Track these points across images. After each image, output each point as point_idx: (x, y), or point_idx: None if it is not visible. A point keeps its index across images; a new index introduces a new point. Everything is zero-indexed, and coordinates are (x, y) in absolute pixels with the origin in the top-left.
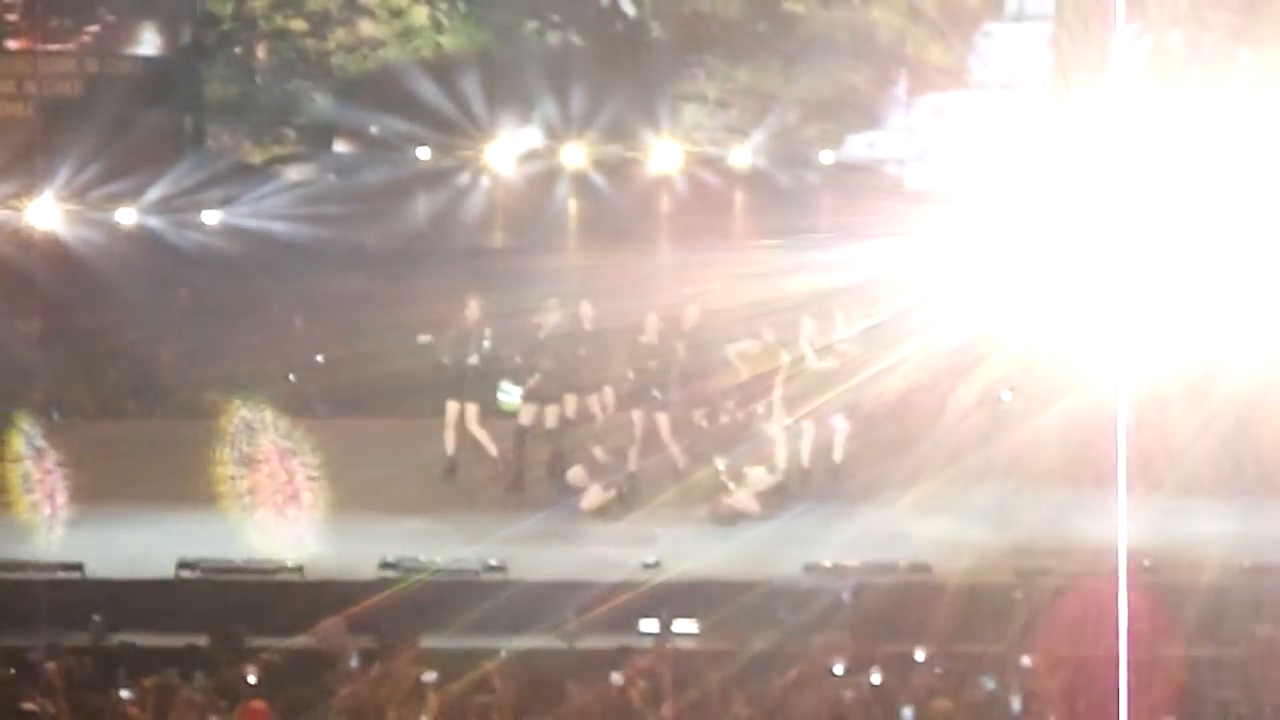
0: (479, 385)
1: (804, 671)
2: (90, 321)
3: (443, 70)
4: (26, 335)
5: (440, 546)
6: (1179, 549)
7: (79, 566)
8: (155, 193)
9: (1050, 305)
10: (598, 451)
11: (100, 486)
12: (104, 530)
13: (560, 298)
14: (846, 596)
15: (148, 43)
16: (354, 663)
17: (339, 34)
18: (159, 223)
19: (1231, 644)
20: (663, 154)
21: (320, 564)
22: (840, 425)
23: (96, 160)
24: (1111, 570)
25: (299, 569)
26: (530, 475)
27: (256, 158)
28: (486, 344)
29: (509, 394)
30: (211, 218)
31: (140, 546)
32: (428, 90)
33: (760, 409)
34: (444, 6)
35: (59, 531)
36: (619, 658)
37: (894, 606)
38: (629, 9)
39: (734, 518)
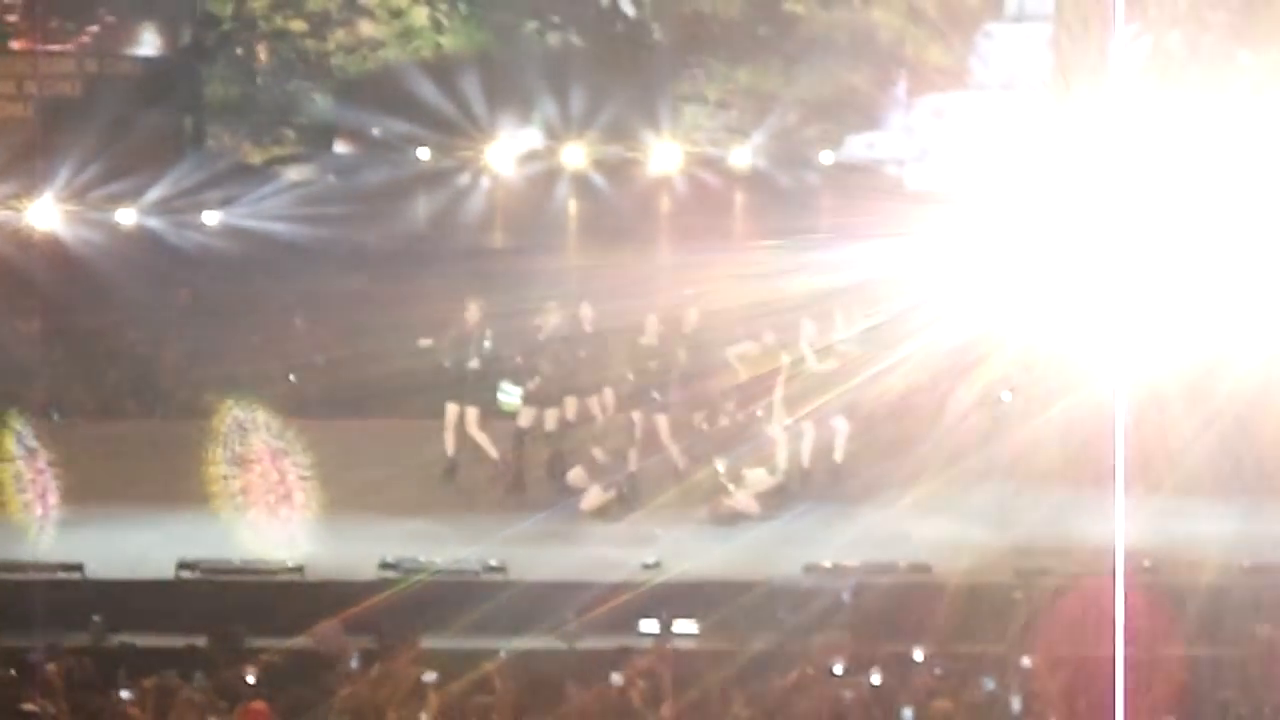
0: (479, 388)
1: (804, 672)
2: (90, 322)
3: (443, 71)
4: (27, 336)
5: (440, 547)
6: (1179, 549)
7: (79, 567)
8: (155, 193)
9: (1050, 306)
10: (597, 453)
11: (100, 487)
12: (104, 531)
13: (560, 300)
14: (846, 597)
15: (148, 43)
16: (354, 663)
17: (339, 34)
18: (159, 223)
19: (1231, 644)
20: (663, 154)
21: (320, 564)
22: (840, 426)
23: (96, 161)
24: (1111, 570)
25: (299, 569)
26: (530, 476)
27: (256, 158)
28: (487, 344)
29: (509, 394)
30: (211, 218)
31: (140, 547)
32: (428, 91)
33: (760, 410)
34: (444, 7)
35: (59, 532)
36: (619, 658)
37: (894, 607)
38: (629, 10)
39: (734, 518)
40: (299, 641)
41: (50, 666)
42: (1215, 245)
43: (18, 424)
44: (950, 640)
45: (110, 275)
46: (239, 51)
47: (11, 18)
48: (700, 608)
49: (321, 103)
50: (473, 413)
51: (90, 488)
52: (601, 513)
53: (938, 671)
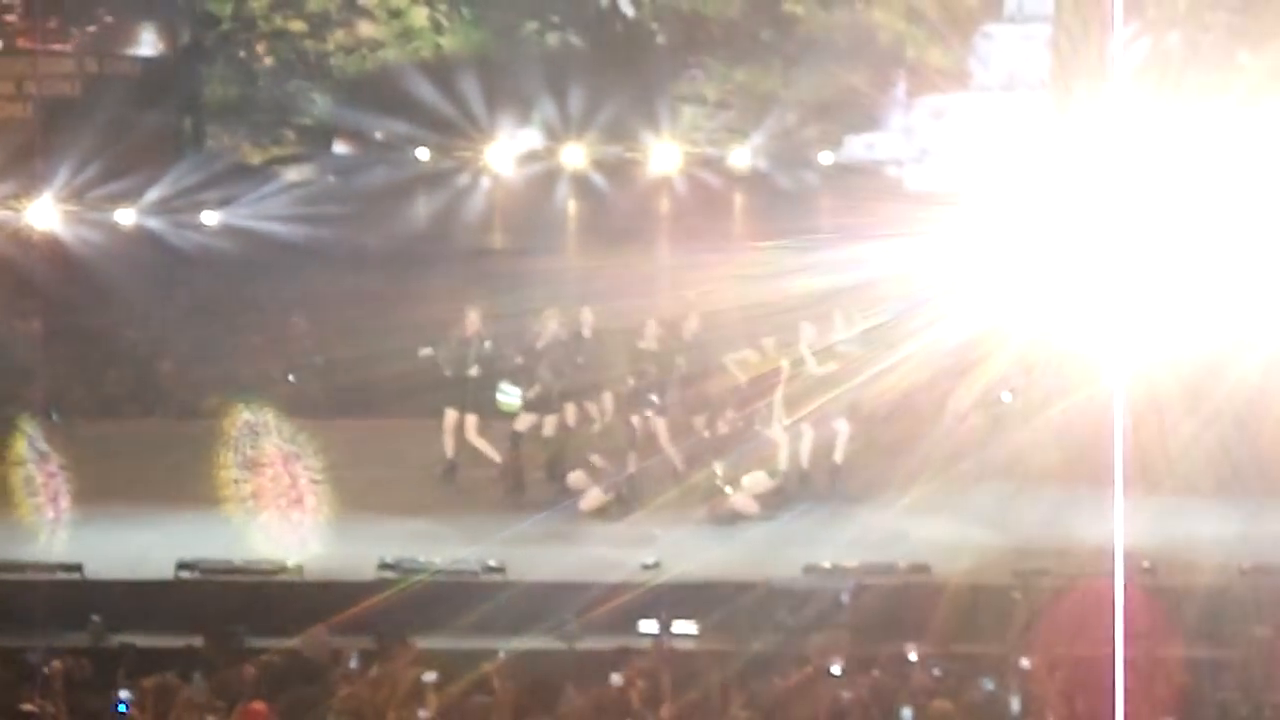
0: (478, 395)
1: (803, 672)
2: (90, 322)
3: (442, 71)
4: (26, 336)
5: (439, 547)
6: (1178, 550)
7: (78, 567)
8: (154, 193)
9: (1049, 307)
10: (596, 458)
11: (100, 487)
12: (103, 531)
13: (559, 303)
14: (846, 597)
15: (147, 43)
16: (353, 664)
17: (338, 35)
18: (158, 223)
19: (1230, 645)
20: (662, 155)
21: (320, 565)
22: (840, 427)
23: (96, 161)
24: (1110, 571)
25: (298, 570)
26: (529, 477)
27: (256, 158)
28: (487, 345)
29: (508, 394)
30: (211, 218)
31: (140, 547)
32: (427, 91)
33: (760, 412)
34: (443, 8)
35: (58, 532)
36: (618, 658)
37: (893, 607)
38: (629, 10)
39: (733, 519)
40: (298, 642)
41: (50, 666)
42: (1214, 246)
43: (20, 425)
44: (949, 641)
45: (110, 275)
46: (238, 52)
47: (11, 18)
48: (700, 608)
49: (321, 103)
50: (472, 420)
51: (90, 488)
52: (601, 513)
53: (937, 672)
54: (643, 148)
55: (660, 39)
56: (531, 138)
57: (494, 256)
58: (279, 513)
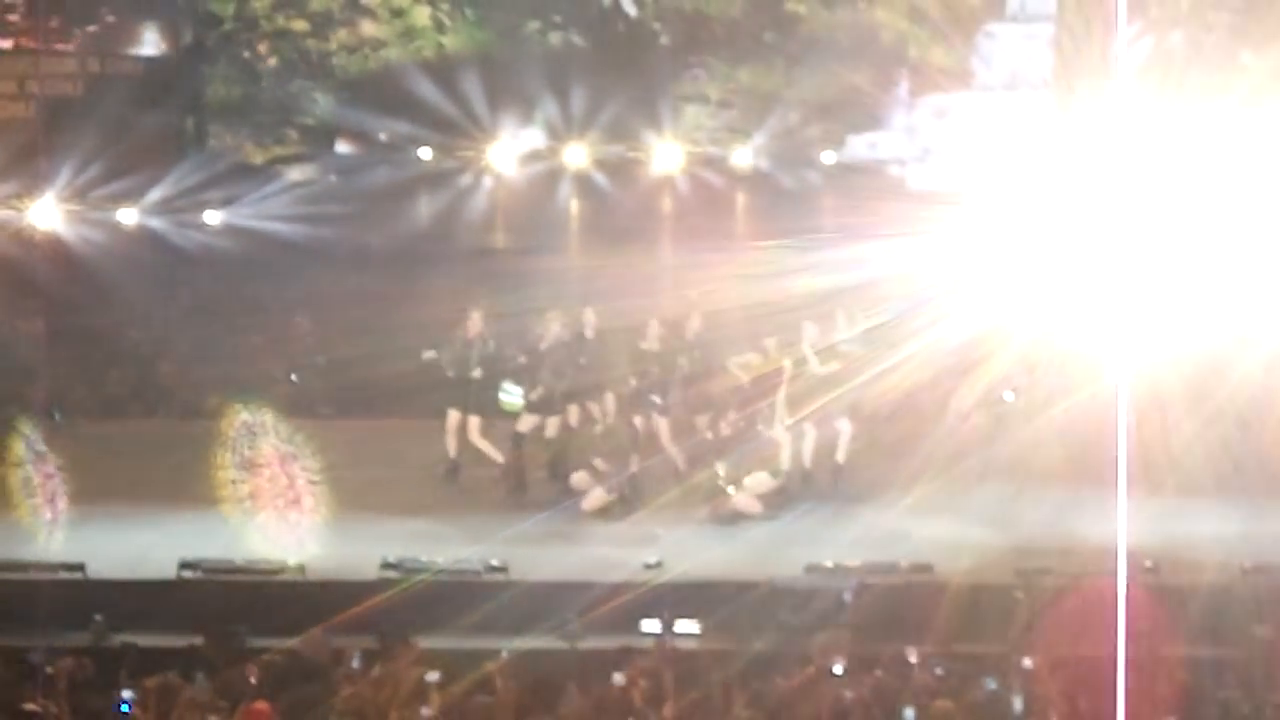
0: (481, 396)
1: (805, 672)
2: (92, 322)
3: (444, 71)
4: (28, 336)
5: (442, 547)
6: (1180, 549)
7: (81, 567)
8: (157, 193)
9: (1052, 306)
10: (599, 461)
11: (102, 487)
12: (106, 530)
13: (561, 304)
14: (848, 597)
15: (149, 43)
16: (355, 663)
17: (341, 34)
18: (161, 223)
19: (1232, 644)
20: (664, 154)
21: (322, 564)
22: (842, 426)
23: (98, 160)
24: (1113, 571)
25: (301, 569)
26: (532, 477)
27: (258, 158)
28: (490, 346)
29: (510, 394)
30: (213, 218)
31: (142, 547)
32: (429, 91)
33: (762, 412)
34: (446, 7)
35: (61, 532)
36: (621, 658)
37: (895, 607)
38: (631, 9)
39: (735, 518)
40: (297, 644)
41: (54, 666)
42: (1217, 246)
43: (22, 425)
44: (951, 640)
45: (112, 275)
46: (241, 52)
47: (13, 17)
48: (702, 608)
49: (323, 103)
50: (474, 421)
51: (92, 488)
52: (603, 513)
53: (939, 671)
54: (645, 147)
55: (663, 39)
56: (534, 137)
57: (496, 256)
58: (281, 513)
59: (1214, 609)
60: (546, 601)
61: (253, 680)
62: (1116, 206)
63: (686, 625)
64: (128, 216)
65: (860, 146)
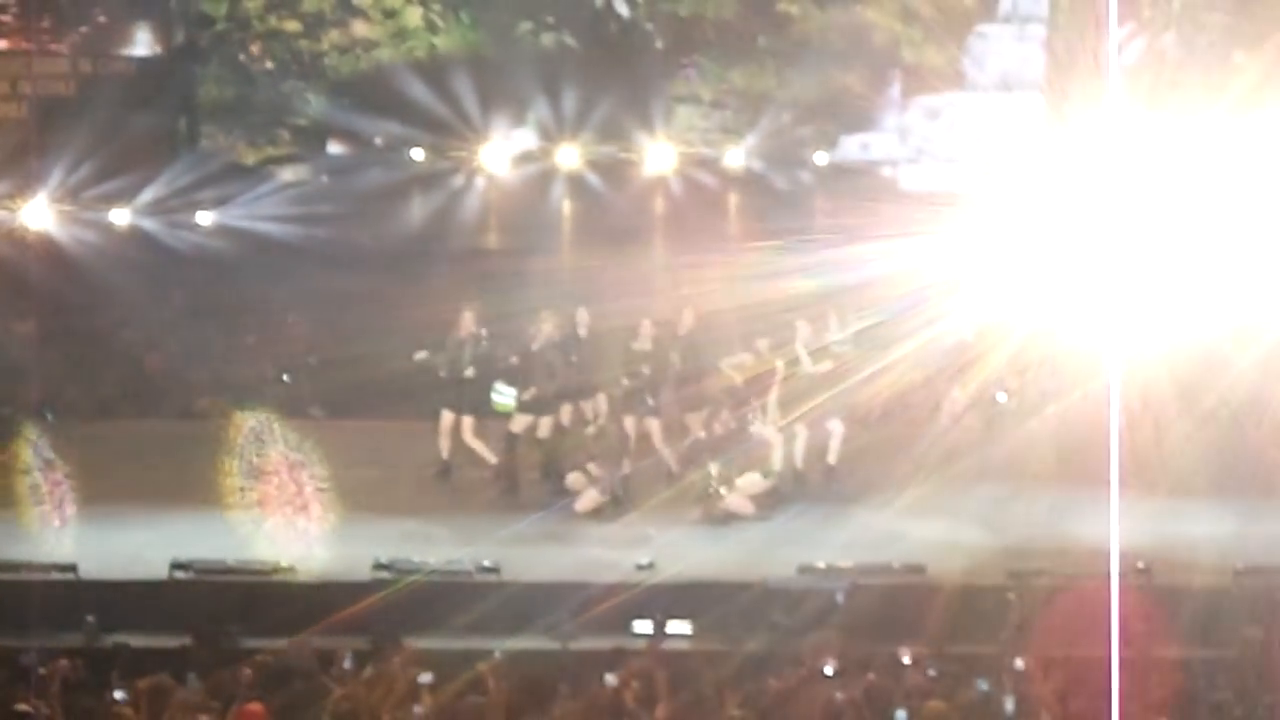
0: (474, 396)
1: (798, 673)
2: (84, 322)
3: (436, 71)
4: (20, 336)
5: (434, 548)
6: (1173, 551)
7: (73, 567)
8: (149, 193)
9: (1045, 307)
10: (592, 465)
11: (94, 487)
12: (98, 531)
13: (553, 305)
14: (840, 598)
15: (142, 43)
16: (347, 664)
17: (333, 35)
18: (153, 223)
19: (1225, 646)
20: (657, 155)
21: (314, 565)
22: (835, 427)
23: (90, 161)
24: (1106, 572)
25: (292, 570)
26: (524, 478)
27: (250, 159)
28: (483, 345)
29: (503, 395)
30: (206, 219)
31: (134, 547)
32: (422, 92)
33: (755, 412)
34: (438, 8)
35: (53, 532)
36: (613, 659)
37: (888, 608)
38: (623, 10)
39: (728, 519)
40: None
41: (47, 667)
42: (1210, 247)
43: (15, 425)
44: (944, 641)
45: (104, 276)
46: (233, 52)
47: (5, 18)
48: (694, 609)
49: (316, 103)
50: (468, 421)
51: (84, 488)
52: (596, 514)
53: (932, 672)
54: (637, 148)
55: (655, 39)
56: (526, 138)
57: (489, 257)
58: (274, 514)
59: (1207, 610)
60: (539, 602)
61: (246, 681)
62: (1109, 208)
63: (679, 626)
64: (120, 217)
65: (852, 147)
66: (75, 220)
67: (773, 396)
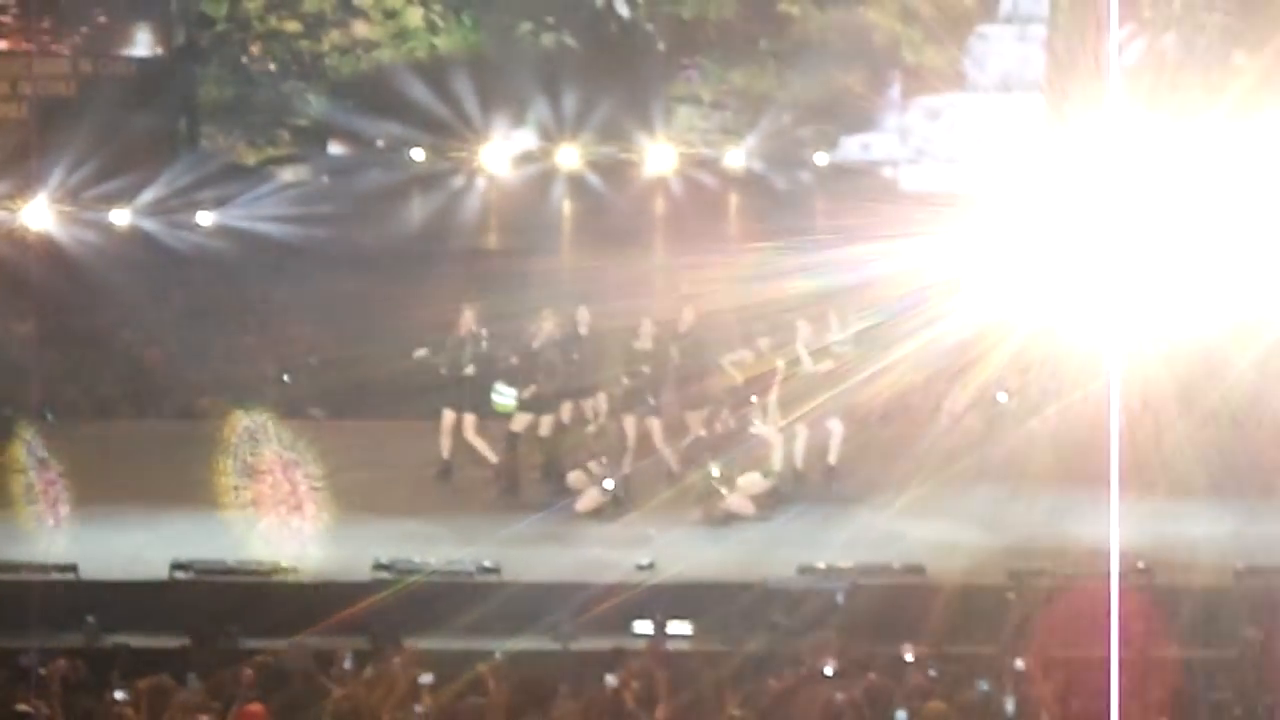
0: (475, 395)
1: (798, 673)
2: (84, 323)
3: (437, 72)
4: (20, 336)
5: (434, 548)
6: (1173, 551)
7: (73, 568)
8: (149, 194)
9: (1046, 307)
10: (593, 464)
11: (94, 487)
12: (98, 531)
13: (554, 304)
14: (840, 598)
15: (142, 44)
16: (348, 665)
17: (333, 35)
18: (153, 224)
19: (1225, 646)
20: (657, 156)
21: (314, 565)
22: (835, 427)
23: (91, 161)
24: (1105, 572)
25: (293, 570)
26: (525, 478)
27: (251, 159)
28: (484, 345)
29: (503, 395)
30: (206, 219)
31: (134, 547)
32: (422, 92)
33: (755, 412)
34: (438, 8)
35: (53, 532)
36: (613, 659)
37: (888, 608)
38: (624, 11)
39: (728, 519)
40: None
41: (48, 667)
42: (1210, 247)
43: (15, 425)
44: (944, 641)
45: (104, 276)
46: (233, 53)
47: (5, 19)
48: (694, 609)
49: (316, 104)
50: (470, 419)
51: (84, 488)
52: (596, 514)
53: (932, 673)
54: (638, 148)
55: (655, 40)
56: (526, 138)
57: (489, 257)
58: (274, 514)
59: (1206, 610)
60: (539, 603)
61: (246, 681)
62: (1109, 208)
63: (679, 626)
64: (120, 217)
65: (853, 148)
66: (75, 220)
67: (773, 396)
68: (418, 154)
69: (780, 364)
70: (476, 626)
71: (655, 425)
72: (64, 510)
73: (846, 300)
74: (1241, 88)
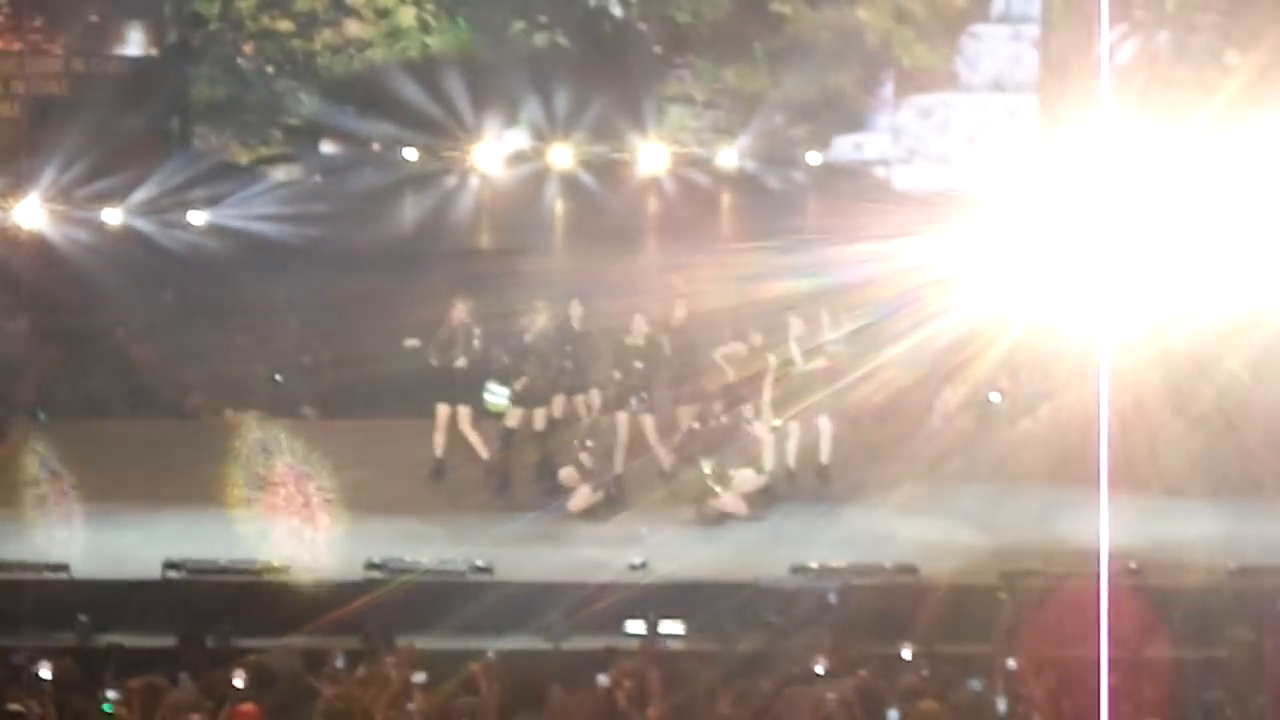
0: (468, 387)
1: (790, 673)
2: (76, 322)
3: (429, 71)
4: (13, 335)
5: (427, 547)
6: (1165, 551)
7: (65, 567)
8: (142, 193)
9: (1038, 307)
10: (583, 456)
11: (86, 486)
12: (90, 530)
13: (547, 300)
14: (833, 598)
15: (134, 43)
16: (340, 664)
17: (326, 35)
18: (145, 223)
19: (1217, 646)
20: (650, 155)
21: (307, 565)
22: (827, 427)
23: (83, 160)
24: (1097, 572)
25: (285, 570)
26: (518, 476)
27: (243, 158)
28: (476, 343)
29: (495, 395)
30: (198, 218)
31: (126, 547)
32: (414, 91)
33: (748, 410)
34: (431, 7)
35: (45, 532)
36: (605, 659)
37: (880, 608)
38: (616, 10)
39: (721, 519)
40: (285, 642)
41: (39, 666)
42: (1202, 247)
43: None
44: (936, 641)
45: (97, 275)
46: (226, 52)
47: None
48: (687, 608)
49: (308, 103)
50: (464, 411)
51: (76, 487)
52: (590, 513)
53: (924, 672)
54: (630, 148)
55: (648, 39)
56: (519, 138)
57: (481, 257)
58: (266, 513)
59: (1199, 610)
60: (531, 602)
61: (238, 682)
62: (1101, 208)
63: (671, 626)
64: (112, 216)
65: (845, 147)
66: (68, 219)
67: (765, 396)
68: (410, 153)
69: (772, 361)
70: (469, 626)
71: (648, 422)
72: (56, 509)
73: (839, 300)
74: (1234, 88)
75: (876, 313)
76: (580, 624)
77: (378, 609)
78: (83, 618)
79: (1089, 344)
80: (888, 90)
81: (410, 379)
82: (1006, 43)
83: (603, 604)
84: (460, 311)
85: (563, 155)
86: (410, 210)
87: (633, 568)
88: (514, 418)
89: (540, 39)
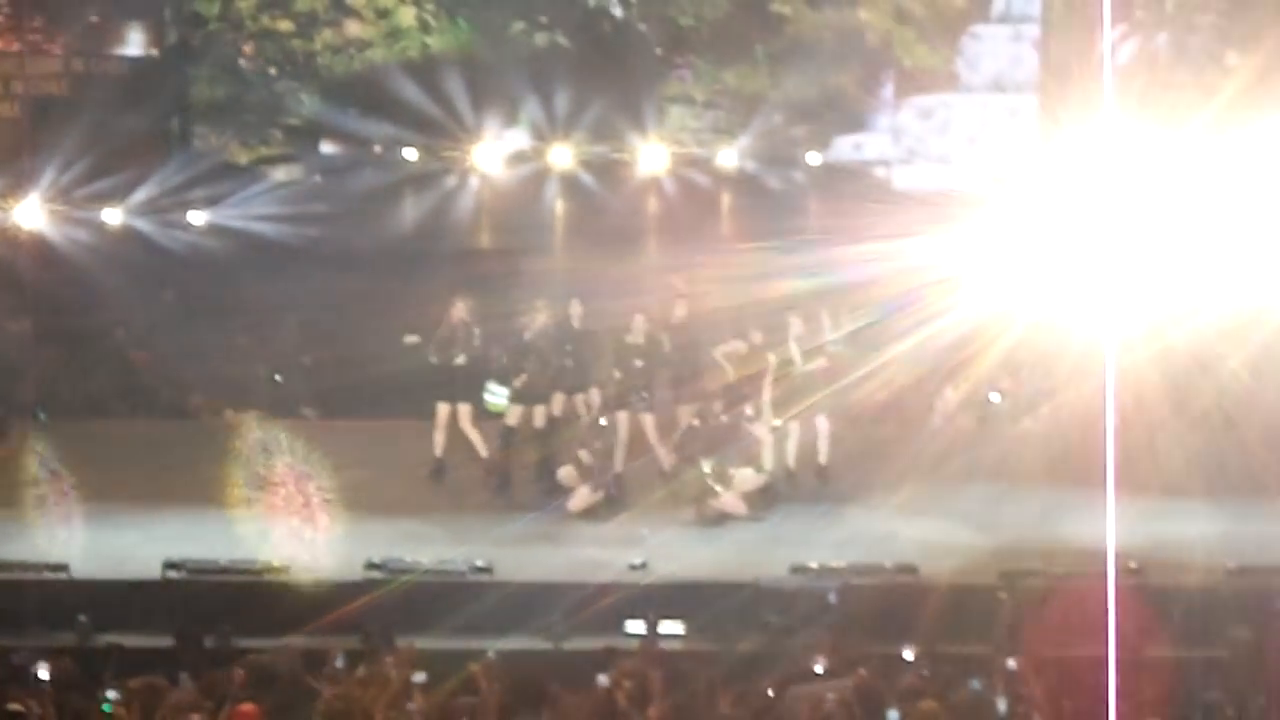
0: (468, 385)
1: (790, 673)
2: (77, 322)
3: (429, 71)
4: (13, 335)
5: (427, 547)
6: (1165, 550)
7: (65, 567)
8: (142, 193)
9: (1038, 307)
10: (583, 454)
11: (86, 486)
12: (90, 530)
13: (547, 299)
14: (833, 598)
15: (134, 43)
16: (340, 664)
17: (326, 35)
18: (145, 223)
19: (1217, 646)
20: (650, 155)
21: (307, 565)
22: (827, 427)
23: (83, 160)
24: (1097, 572)
25: (285, 570)
26: (518, 476)
27: (243, 158)
28: (476, 341)
29: (495, 395)
30: (198, 218)
31: (126, 547)
32: (414, 91)
33: (748, 410)
34: (431, 7)
35: (45, 531)
36: (605, 659)
37: (880, 608)
38: (617, 11)
39: (721, 519)
40: (286, 642)
41: (39, 666)
42: (1203, 247)
43: (7, 424)
44: (937, 641)
45: (97, 275)
46: (226, 52)
47: None
48: (687, 609)
49: (308, 103)
50: (465, 409)
51: (76, 488)
52: (590, 513)
53: (924, 672)
54: (630, 148)
55: (648, 40)
56: (519, 138)
57: (482, 257)
58: (266, 513)
59: (1199, 610)
60: (531, 602)
61: (238, 681)
62: (1102, 208)
63: (672, 626)
64: (112, 216)
65: (845, 148)
66: (68, 220)
67: (766, 395)
68: (410, 153)
69: (773, 360)
70: (469, 626)
71: (648, 421)
72: (56, 509)
73: (839, 300)
74: (1234, 88)
75: (877, 313)
76: (580, 624)
77: (378, 609)
78: (82, 618)
79: (1090, 344)
80: (888, 91)
81: (410, 379)
82: (1007, 43)
83: (603, 604)
84: (460, 310)
85: (563, 155)
86: (410, 210)
87: (633, 568)
88: (514, 416)
89: (540, 39)
